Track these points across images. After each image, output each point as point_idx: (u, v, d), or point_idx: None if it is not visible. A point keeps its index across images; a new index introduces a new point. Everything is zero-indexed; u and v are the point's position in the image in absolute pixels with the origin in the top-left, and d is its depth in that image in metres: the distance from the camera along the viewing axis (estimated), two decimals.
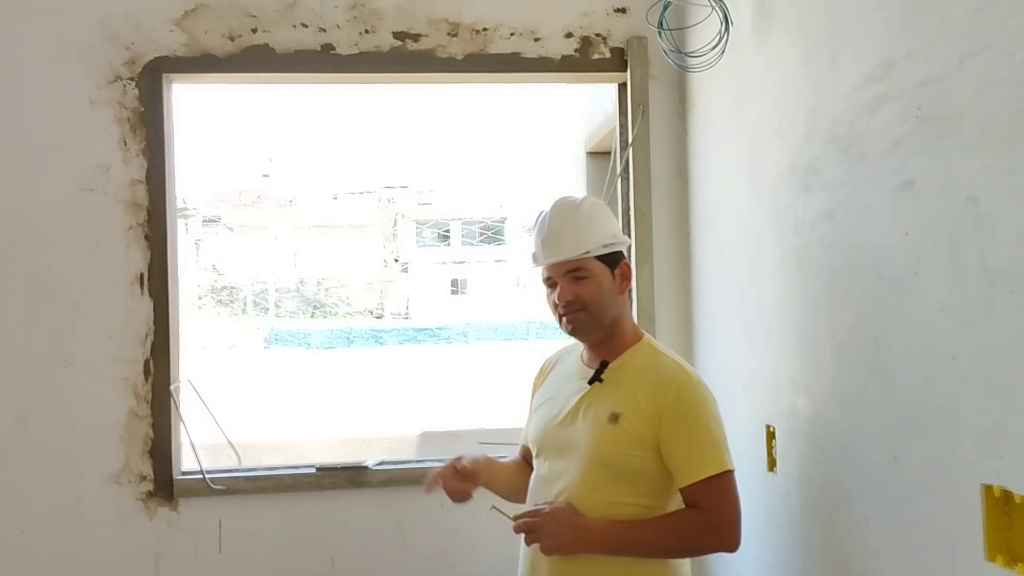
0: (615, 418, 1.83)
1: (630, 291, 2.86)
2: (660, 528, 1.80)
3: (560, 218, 1.91)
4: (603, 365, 1.90)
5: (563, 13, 2.87)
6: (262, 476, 2.82)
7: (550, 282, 1.93)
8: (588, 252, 1.87)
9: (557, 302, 1.89)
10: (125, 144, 2.72)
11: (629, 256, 2.92)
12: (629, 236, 2.92)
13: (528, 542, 1.83)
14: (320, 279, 31.03)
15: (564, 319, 1.90)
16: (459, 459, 1.99)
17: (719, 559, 2.55)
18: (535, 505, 1.88)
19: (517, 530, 1.82)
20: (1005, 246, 1.33)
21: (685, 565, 1.89)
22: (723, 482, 1.78)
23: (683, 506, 1.82)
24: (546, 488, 1.91)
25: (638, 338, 1.95)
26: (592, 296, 1.88)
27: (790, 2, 2.10)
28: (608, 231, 1.92)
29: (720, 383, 2.48)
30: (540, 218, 1.96)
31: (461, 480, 1.95)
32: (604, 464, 1.82)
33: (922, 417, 1.55)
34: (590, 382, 1.90)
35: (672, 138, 2.92)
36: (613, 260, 1.92)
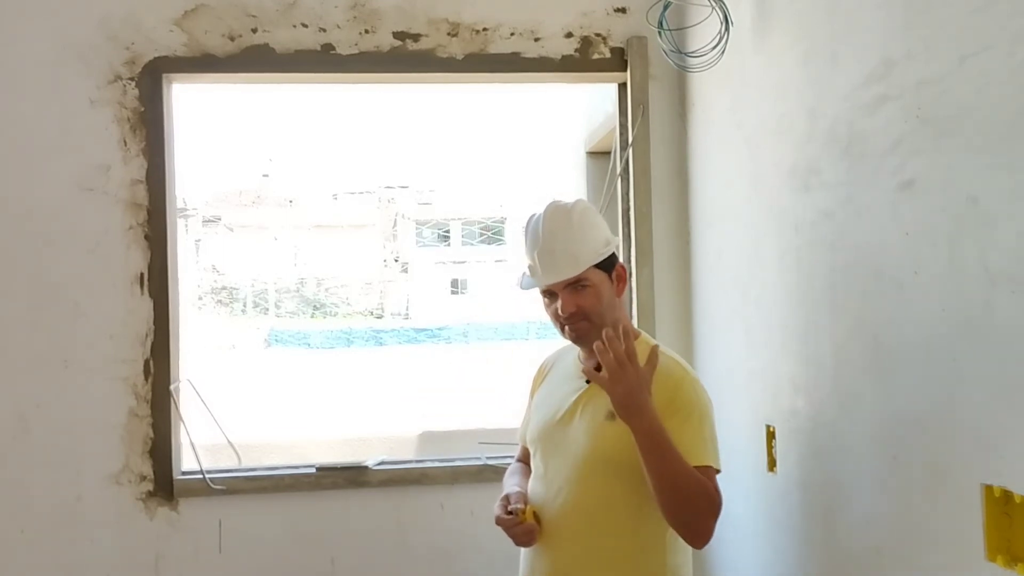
0: (612, 415, 1.82)
1: (628, 291, 2.89)
2: (685, 465, 1.71)
3: (553, 232, 1.89)
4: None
5: (563, 13, 2.87)
6: (262, 476, 2.82)
7: (549, 294, 1.92)
8: (587, 265, 1.86)
9: (560, 313, 1.88)
10: (125, 144, 2.72)
11: (628, 256, 2.93)
12: (629, 236, 2.92)
13: (611, 378, 1.70)
14: (320, 279, 31.02)
15: (567, 329, 1.90)
16: (507, 500, 1.91)
17: (719, 559, 2.54)
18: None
19: (600, 349, 1.71)
20: (1005, 246, 1.33)
21: (687, 566, 1.89)
22: (708, 474, 1.76)
23: None
24: (545, 487, 1.91)
25: (635, 336, 1.95)
26: (593, 305, 1.87)
27: (790, 2, 2.10)
28: (601, 237, 1.91)
29: (720, 383, 2.48)
30: (531, 226, 1.93)
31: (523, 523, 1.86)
32: (602, 461, 1.82)
33: (922, 417, 1.55)
34: (588, 381, 1.90)
35: (672, 138, 2.92)
36: (609, 264, 1.91)
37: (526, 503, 1.90)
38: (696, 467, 1.74)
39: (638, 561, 1.81)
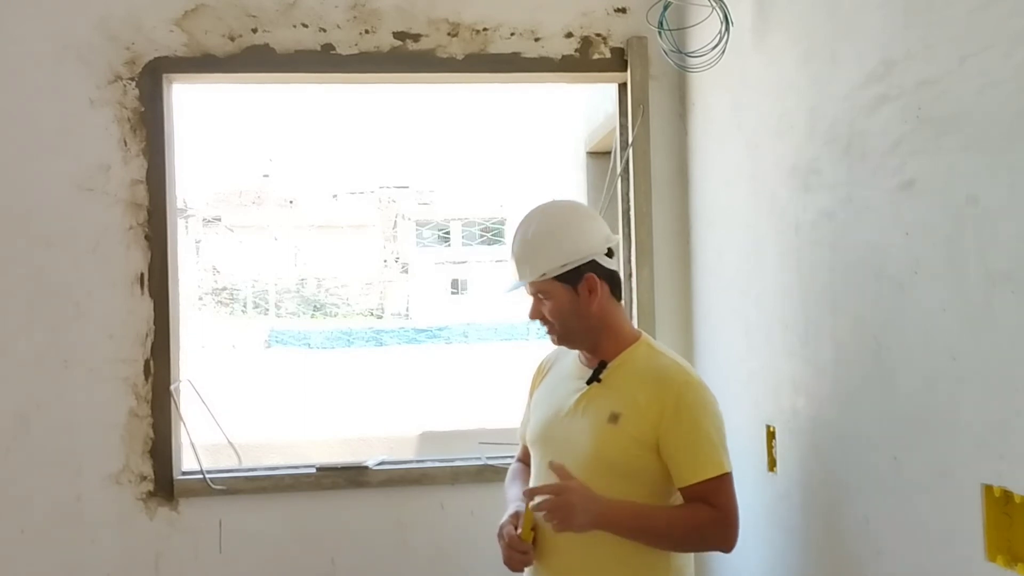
0: (614, 418, 1.83)
1: (628, 291, 2.88)
2: (676, 517, 1.79)
3: (520, 237, 1.91)
4: (602, 365, 1.89)
5: (563, 13, 2.87)
6: (262, 476, 2.82)
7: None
8: (544, 275, 1.86)
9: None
10: (125, 144, 2.72)
11: (628, 256, 2.92)
12: (629, 236, 2.92)
13: (556, 527, 1.75)
14: (320, 279, 31.01)
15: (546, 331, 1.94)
16: (516, 519, 1.89)
17: (718, 559, 2.55)
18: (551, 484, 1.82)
19: (538, 508, 1.76)
20: (1005, 246, 1.33)
21: (688, 568, 1.89)
22: (724, 482, 1.78)
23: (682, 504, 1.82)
24: None
25: (636, 338, 1.95)
26: (554, 316, 1.89)
27: (790, 2, 2.10)
28: (570, 249, 1.85)
29: (720, 383, 2.48)
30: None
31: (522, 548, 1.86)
32: (604, 463, 1.82)
33: (922, 417, 1.55)
34: (588, 382, 1.89)
35: (672, 138, 2.92)
36: (576, 277, 1.86)
37: (535, 527, 1.86)
38: (712, 479, 1.76)
39: (639, 562, 1.81)
